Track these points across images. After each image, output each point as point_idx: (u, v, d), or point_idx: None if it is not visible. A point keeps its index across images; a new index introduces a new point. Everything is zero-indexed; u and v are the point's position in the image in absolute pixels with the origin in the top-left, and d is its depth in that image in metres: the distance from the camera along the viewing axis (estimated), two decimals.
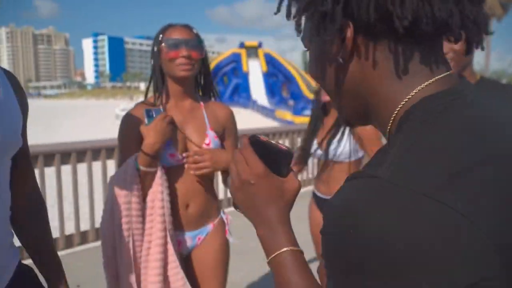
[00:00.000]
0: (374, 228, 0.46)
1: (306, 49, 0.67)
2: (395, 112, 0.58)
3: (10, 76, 1.10)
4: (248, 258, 3.78)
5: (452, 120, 0.53)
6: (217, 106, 1.78)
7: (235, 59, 42.19)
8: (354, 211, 0.48)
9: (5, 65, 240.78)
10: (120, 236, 1.55)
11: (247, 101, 38.62)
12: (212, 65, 41.88)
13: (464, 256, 0.44)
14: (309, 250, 3.37)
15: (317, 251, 2.58)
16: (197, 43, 1.64)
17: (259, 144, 0.73)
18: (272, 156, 0.72)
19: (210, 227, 1.76)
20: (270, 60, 42.15)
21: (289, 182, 0.73)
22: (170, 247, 1.60)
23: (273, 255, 0.70)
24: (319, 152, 2.39)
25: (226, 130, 1.78)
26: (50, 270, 1.23)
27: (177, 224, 1.67)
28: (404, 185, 0.47)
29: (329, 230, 0.51)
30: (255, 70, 41.16)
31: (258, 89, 39.69)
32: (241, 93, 40.90)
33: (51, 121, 26.40)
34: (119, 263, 1.56)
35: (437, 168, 0.48)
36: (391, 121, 0.59)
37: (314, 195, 2.51)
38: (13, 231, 1.14)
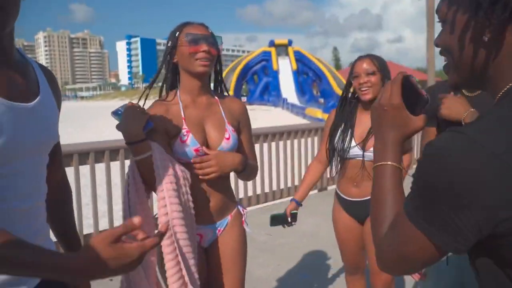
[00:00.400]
0: (451, 165, 0.69)
1: (439, 21, 0.84)
2: (507, 88, 0.77)
3: (47, 73, 1.17)
4: (276, 255, 3.82)
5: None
6: (231, 101, 1.83)
7: (265, 57, 42.12)
8: (441, 151, 0.70)
9: None
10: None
11: (278, 100, 38.53)
12: (242, 64, 41.95)
13: (506, 197, 0.67)
14: (334, 251, 3.35)
15: (343, 255, 2.44)
16: (214, 40, 1.68)
17: (408, 84, 0.91)
18: (412, 96, 0.91)
19: (228, 218, 1.82)
20: (300, 58, 41.87)
21: (415, 120, 0.91)
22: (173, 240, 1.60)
23: (379, 164, 0.91)
24: (357, 151, 2.19)
25: (241, 124, 1.83)
26: (72, 249, 1.35)
27: (199, 217, 1.71)
28: (481, 143, 0.68)
29: (423, 158, 0.73)
30: (285, 68, 40.99)
31: (288, 87, 39.52)
32: (271, 91, 40.82)
33: (87, 122, 27.14)
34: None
35: (509, 139, 0.68)
36: (501, 93, 0.77)
37: (340, 197, 2.35)
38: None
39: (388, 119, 0.91)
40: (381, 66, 2.15)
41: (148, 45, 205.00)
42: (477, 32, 0.76)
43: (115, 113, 1.60)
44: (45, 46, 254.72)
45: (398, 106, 0.90)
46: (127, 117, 1.56)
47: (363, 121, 2.21)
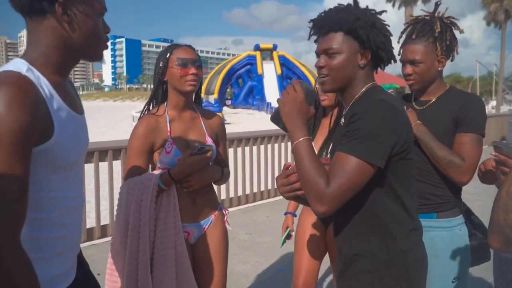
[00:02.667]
0: (387, 114, 1.26)
1: (337, 53, 1.34)
2: (360, 93, 1.38)
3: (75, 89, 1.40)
4: (255, 252, 4.06)
5: (388, 95, 1.37)
6: (210, 116, 2.09)
7: (250, 61, 42.36)
8: (377, 108, 1.27)
9: None
10: (136, 234, 1.82)
11: (262, 103, 38.80)
12: (228, 67, 41.76)
13: (405, 132, 1.30)
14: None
15: (297, 261, 2.35)
16: (200, 63, 1.93)
17: (303, 85, 1.38)
18: (307, 92, 1.37)
19: (212, 217, 2.05)
20: (285, 62, 42.21)
21: (310, 109, 1.37)
22: (180, 238, 1.88)
23: (296, 141, 1.30)
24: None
25: (219, 136, 2.10)
26: None
27: (186, 217, 1.94)
28: (393, 105, 1.29)
29: (364, 115, 1.25)
30: (269, 73, 41.27)
31: (272, 92, 39.80)
32: (256, 95, 41.08)
33: None
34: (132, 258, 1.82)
35: (397, 103, 1.35)
36: (359, 94, 1.38)
37: None
38: None
39: (296, 109, 1.33)
40: None
41: (133, 46, 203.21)
42: (358, 59, 1.35)
43: (199, 150, 1.83)
44: None
45: (303, 100, 1.35)
46: (193, 168, 1.85)
47: (324, 126, 2.35)
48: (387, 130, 1.24)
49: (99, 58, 1.24)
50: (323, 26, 1.38)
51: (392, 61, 1.43)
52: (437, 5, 1.95)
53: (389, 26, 1.40)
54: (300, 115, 1.33)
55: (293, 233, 2.45)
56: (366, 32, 1.33)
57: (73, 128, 1.16)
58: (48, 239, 1.15)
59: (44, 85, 1.08)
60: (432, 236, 1.82)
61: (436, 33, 1.86)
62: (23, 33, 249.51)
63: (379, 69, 1.45)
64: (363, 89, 1.38)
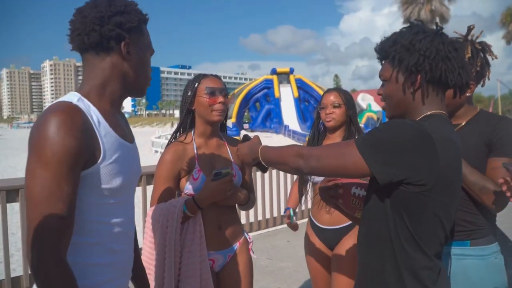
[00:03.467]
0: (409, 133, 1.19)
1: (385, 80, 1.37)
2: (422, 116, 1.31)
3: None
4: (277, 278, 3.97)
5: (439, 123, 1.28)
6: (235, 143, 2.09)
7: (267, 85, 42.73)
8: (406, 125, 1.21)
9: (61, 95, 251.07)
10: (162, 260, 1.81)
11: (279, 126, 38.92)
12: (245, 91, 42.26)
13: (430, 160, 1.18)
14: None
15: (314, 283, 2.46)
16: (227, 91, 1.96)
17: (246, 137, 1.69)
18: (247, 138, 1.66)
19: (237, 245, 2.03)
20: (302, 85, 42.44)
21: (258, 140, 1.58)
22: (206, 265, 1.86)
23: (259, 153, 1.49)
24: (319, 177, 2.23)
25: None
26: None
27: (212, 245, 1.92)
28: (429, 131, 1.20)
29: (392, 124, 1.23)
30: (286, 96, 41.51)
31: (289, 114, 39.95)
32: (273, 118, 41.27)
33: None
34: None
35: (440, 133, 1.23)
36: (420, 117, 1.31)
37: (313, 223, 2.42)
38: None
39: (247, 144, 1.58)
40: (346, 99, 2.31)
41: (152, 73, 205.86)
42: (408, 86, 1.32)
43: (216, 174, 1.82)
44: (51, 74, 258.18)
45: (242, 144, 1.62)
46: (217, 194, 1.83)
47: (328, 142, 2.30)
48: (397, 147, 1.17)
49: (143, 95, 1.34)
50: (377, 55, 1.41)
51: (463, 83, 1.33)
52: (469, 29, 1.87)
53: (451, 45, 1.30)
54: (247, 144, 1.59)
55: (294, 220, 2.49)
56: (403, 56, 1.29)
57: (121, 154, 1.21)
58: (94, 265, 1.17)
59: (93, 113, 1.17)
60: (466, 264, 1.72)
61: (466, 58, 1.78)
62: (46, 64, 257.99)
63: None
64: (423, 115, 1.31)
